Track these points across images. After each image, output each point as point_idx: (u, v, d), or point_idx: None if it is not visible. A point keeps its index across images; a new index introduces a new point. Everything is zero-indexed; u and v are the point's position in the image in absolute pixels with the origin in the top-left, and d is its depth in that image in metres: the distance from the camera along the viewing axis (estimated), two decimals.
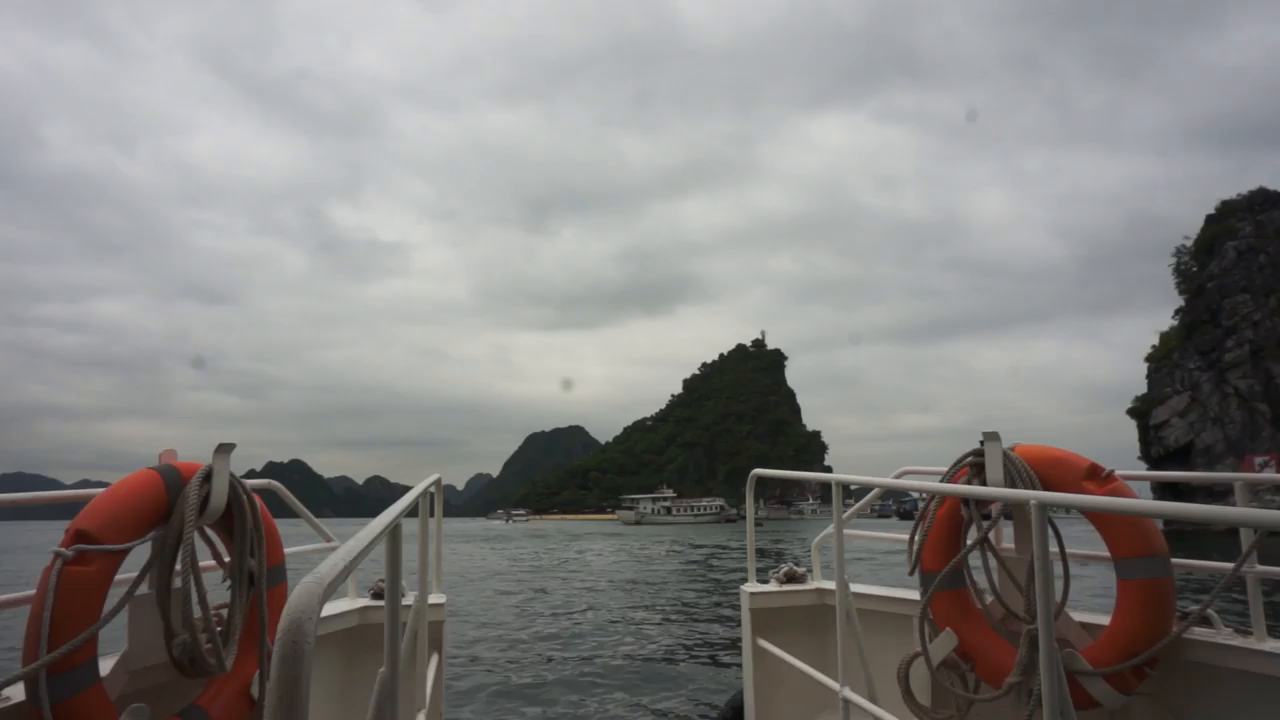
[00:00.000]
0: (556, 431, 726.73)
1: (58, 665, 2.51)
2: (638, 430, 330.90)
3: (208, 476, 3.02)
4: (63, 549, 2.62)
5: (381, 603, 4.16)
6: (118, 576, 2.80)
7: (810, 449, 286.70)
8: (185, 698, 3.05)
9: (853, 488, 4.01)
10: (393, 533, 1.88)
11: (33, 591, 2.63)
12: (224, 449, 3.09)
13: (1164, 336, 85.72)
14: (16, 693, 2.63)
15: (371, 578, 4.16)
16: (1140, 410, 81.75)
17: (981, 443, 3.58)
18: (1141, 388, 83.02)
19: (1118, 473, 3.37)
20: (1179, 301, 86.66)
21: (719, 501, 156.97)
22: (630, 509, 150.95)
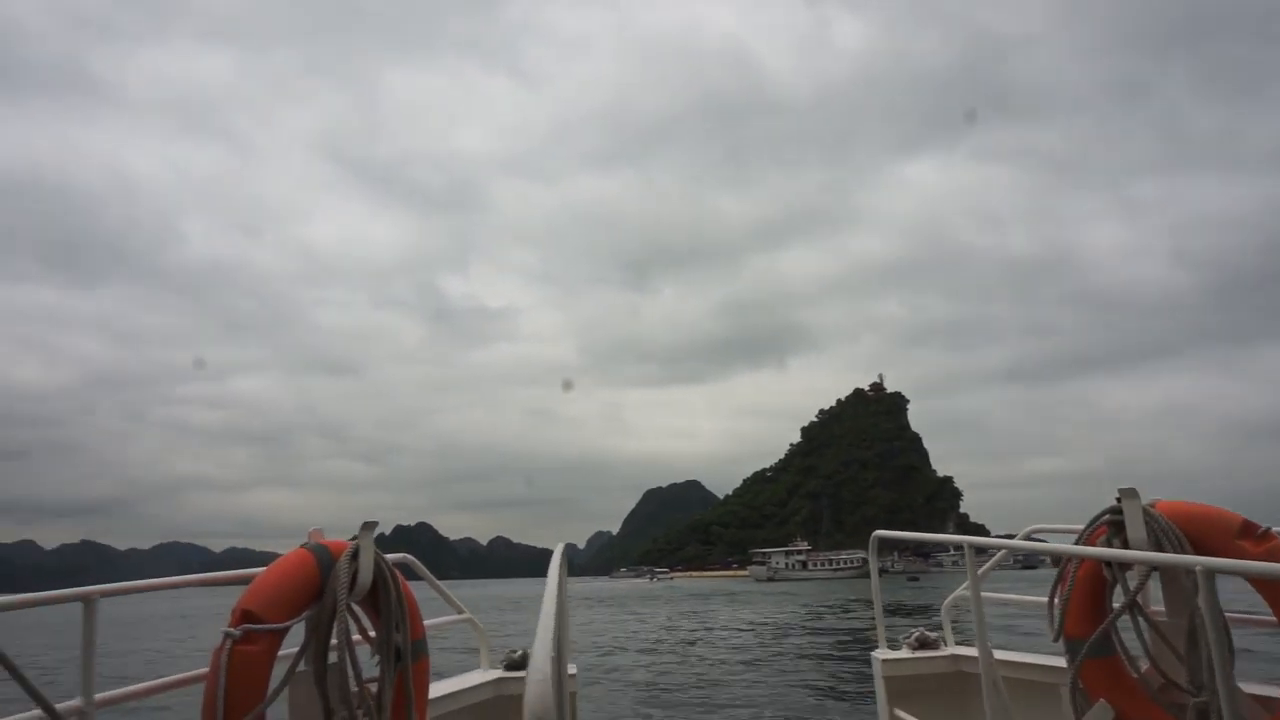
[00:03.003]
0: (673, 487, 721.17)
1: None
2: (758, 482, 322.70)
3: (355, 554, 3.12)
4: (232, 629, 2.76)
5: (516, 674, 4.27)
6: (279, 653, 2.93)
7: (943, 495, 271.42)
8: None
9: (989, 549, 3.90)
10: (559, 609, 1.85)
11: (205, 670, 2.79)
12: (368, 527, 3.19)
13: None
14: None
15: (501, 647, 4.38)
16: None
17: (1118, 499, 3.29)
18: None
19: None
20: None
21: (860, 554, 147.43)
22: (762, 564, 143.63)
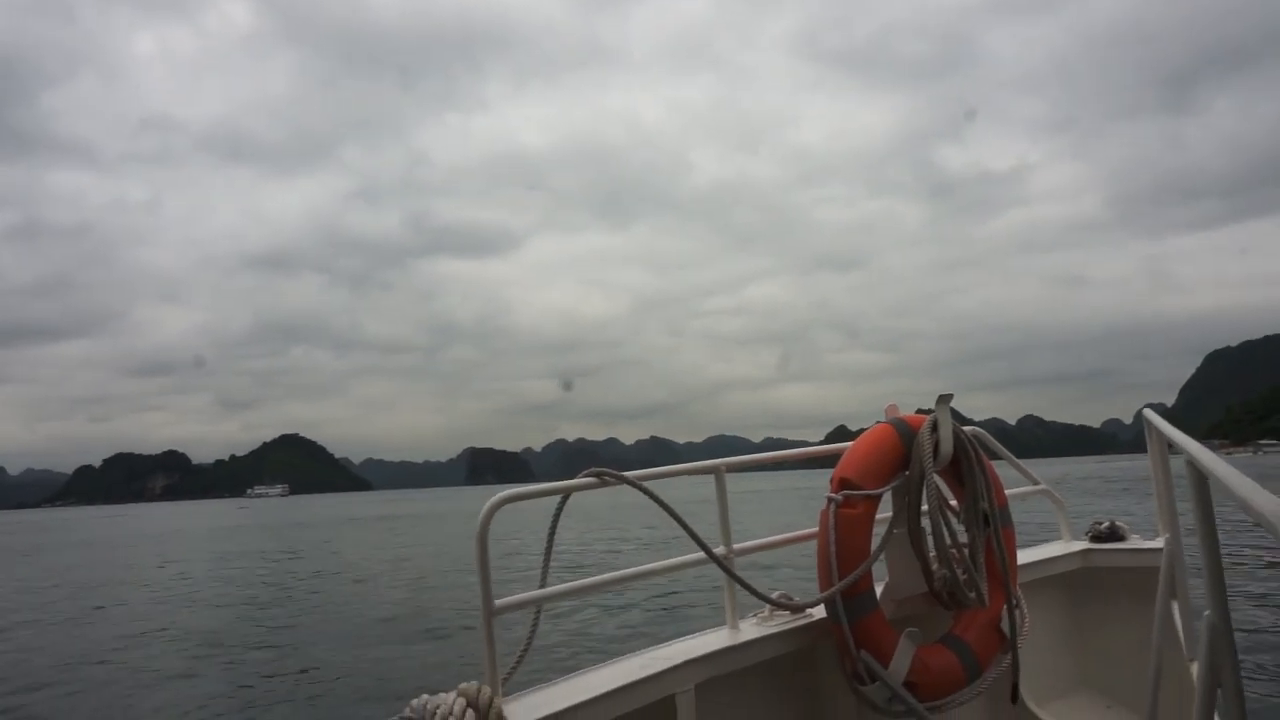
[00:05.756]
0: (1247, 345, 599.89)
1: (847, 591, 2.92)
2: None
3: (934, 427, 3.21)
4: (834, 494, 3.03)
5: (1105, 546, 4.22)
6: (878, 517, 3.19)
7: None
8: (940, 628, 3.29)
9: None
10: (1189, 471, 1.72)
11: (815, 530, 3.11)
12: (944, 400, 3.25)
13: None
14: (819, 611, 3.14)
15: (1085, 519, 4.42)
16: None
17: None
18: None
19: None
20: None
21: None
22: None
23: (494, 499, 2.48)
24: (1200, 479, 1.61)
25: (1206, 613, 1.66)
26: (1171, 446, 2.01)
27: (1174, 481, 2.91)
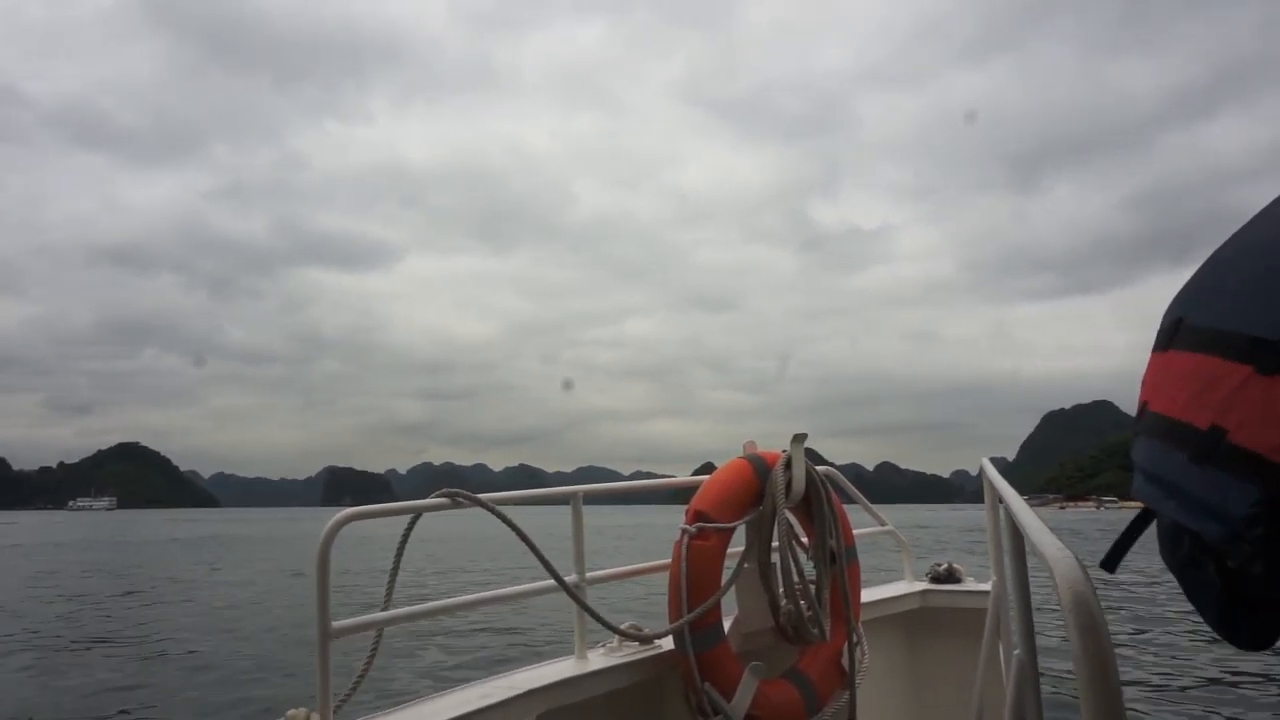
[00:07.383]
0: (1078, 409, 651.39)
1: (696, 623, 2.98)
2: None
3: (788, 464, 3.29)
4: (688, 526, 3.11)
5: (941, 587, 4.33)
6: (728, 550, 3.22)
7: None
8: (785, 662, 3.36)
9: None
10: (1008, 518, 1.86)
11: (668, 561, 3.16)
12: (799, 439, 3.32)
13: None
14: (667, 643, 3.16)
15: (927, 560, 4.52)
16: None
17: None
18: None
19: None
20: None
21: None
22: None
23: (338, 516, 2.42)
24: (1016, 528, 1.71)
25: (1016, 652, 1.72)
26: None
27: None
